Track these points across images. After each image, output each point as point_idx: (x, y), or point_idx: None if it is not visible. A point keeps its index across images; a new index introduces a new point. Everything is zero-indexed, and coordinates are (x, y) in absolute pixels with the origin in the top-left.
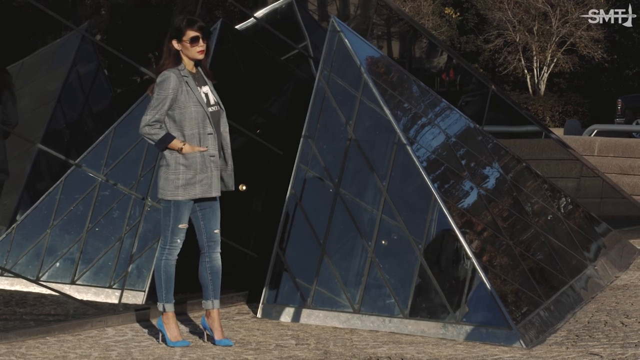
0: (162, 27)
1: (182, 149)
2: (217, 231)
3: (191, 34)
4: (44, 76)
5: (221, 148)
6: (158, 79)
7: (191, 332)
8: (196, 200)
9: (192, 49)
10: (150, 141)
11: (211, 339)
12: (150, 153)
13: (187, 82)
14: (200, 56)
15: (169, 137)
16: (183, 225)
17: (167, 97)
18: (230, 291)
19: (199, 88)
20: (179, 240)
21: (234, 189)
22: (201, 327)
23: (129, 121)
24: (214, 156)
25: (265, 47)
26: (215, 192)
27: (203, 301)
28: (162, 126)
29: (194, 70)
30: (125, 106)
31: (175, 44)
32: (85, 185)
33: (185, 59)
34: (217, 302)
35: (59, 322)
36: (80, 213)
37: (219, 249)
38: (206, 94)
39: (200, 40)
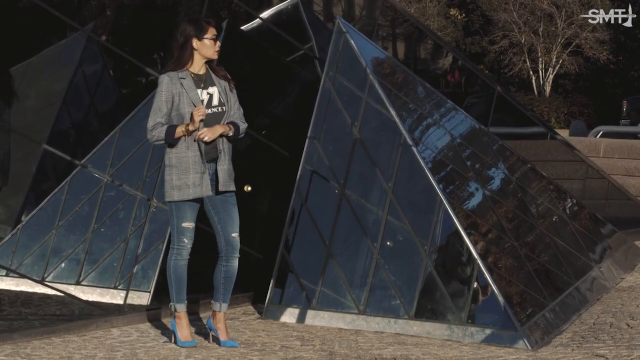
0: (167, 27)
1: (188, 130)
2: (234, 235)
3: (213, 31)
4: (50, 77)
5: (221, 147)
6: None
7: (197, 332)
8: (204, 201)
9: (212, 48)
10: (161, 142)
11: (217, 339)
12: (156, 154)
13: (182, 83)
14: (216, 55)
15: (171, 129)
16: (187, 224)
17: (161, 100)
18: (235, 292)
19: (200, 89)
20: (185, 240)
21: (231, 189)
22: (207, 327)
23: (134, 122)
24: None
25: (271, 48)
26: (206, 192)
27: (212, 301)
28: (163, 124)
29: (203, 71)
30: (130, 107)
31: (195, 42)
32: (90, 185)
33: (196, 58)
34: (224, 306)
35: (64, 323)
36: (86, 214)
37: (237, 255)
38: (210, 95)
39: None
